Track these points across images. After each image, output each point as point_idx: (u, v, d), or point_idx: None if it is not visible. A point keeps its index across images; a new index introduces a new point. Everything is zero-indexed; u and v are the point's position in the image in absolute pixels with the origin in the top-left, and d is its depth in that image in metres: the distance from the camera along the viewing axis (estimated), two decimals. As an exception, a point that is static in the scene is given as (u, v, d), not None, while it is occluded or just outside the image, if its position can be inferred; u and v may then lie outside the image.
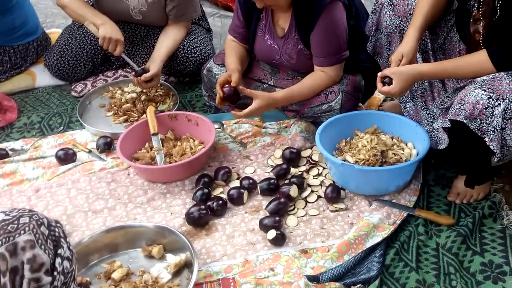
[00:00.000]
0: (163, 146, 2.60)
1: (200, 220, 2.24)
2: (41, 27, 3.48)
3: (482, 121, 1.97)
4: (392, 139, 2.44)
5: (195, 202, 2.34)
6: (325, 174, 2.47)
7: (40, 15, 3.73)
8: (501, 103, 1.93)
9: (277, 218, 2.20)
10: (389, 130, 2.50)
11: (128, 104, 2.96)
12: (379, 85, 2.23)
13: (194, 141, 2.64)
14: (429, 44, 2.41)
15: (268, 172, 2.50)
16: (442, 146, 2.24)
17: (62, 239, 1.40)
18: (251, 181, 2.41)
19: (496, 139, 1.97)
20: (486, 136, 1.98)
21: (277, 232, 2.14)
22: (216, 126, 2.71)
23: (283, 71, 2.72)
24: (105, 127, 2.88)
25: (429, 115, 2.44)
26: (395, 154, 2.33)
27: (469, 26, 2.15)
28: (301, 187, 2.39)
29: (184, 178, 2.49)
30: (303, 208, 2.33)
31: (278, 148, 2.61)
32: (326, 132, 2.42)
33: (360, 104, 2.79)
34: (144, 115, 2.79)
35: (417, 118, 2.46)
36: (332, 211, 2.31)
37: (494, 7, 2.03)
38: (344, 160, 2.33)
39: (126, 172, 2.57)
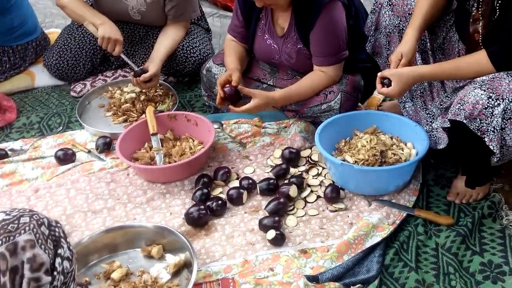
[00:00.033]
0: (162, 146, 2.60)
1: (200, 220, 2.24)
2: (40, 27, 3.48)
3: (482, 121, 1.97)
4: (392, 139, 2.44)
5: (194, 202, 2.34)
6: (325, 174, 2.47)
7: (39, 15, 3.73)
8: (500, 103, 1.93)
9: (276, 218, 2.20)
10: (388, 130, 2.50)
11: (128, 104, 2.96)
12: (378, 86, 2.24)
13: (193, 141, 2.64)
14: (428, 44, 2.41)
15: (268, 172, 2.50)
16: (441, 146, 2.24)
17: (62, 239, 1.40)
18: (250, 181, 2.41)
19: (495, 139, 1.97)
20: (485, 136, 1.98)
21: (277, 232, 2.14)
22: (216, 126, 2.71)
23: (283, 70, 2.72)
24: (105, 127, 2.88)
25: (428, 115, 2.44)
26: (394, 154, 2.33)
27: (468, 26, 2.15)
28: (301, 187, 2.39)
29: (183, 178, 2.49)
30: (302, 208, 2.33)
31: (277, 148, 2.61)
32: (325, 132, 2.42)
33: (360, 104, 2.79)
34: (144, 115, 2.79)
35: (416, 118, 2.46)
36: (331, 211, 2.31)
37: (494, 7, 2.03)
38: (344, 160, 2.33)
39: (126, 172, 2.57)
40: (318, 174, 2.48)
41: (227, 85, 2.50)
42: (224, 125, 2.80)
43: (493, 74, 2.01)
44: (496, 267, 2.06)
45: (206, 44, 3.20)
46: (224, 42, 2.81)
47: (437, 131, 2.28)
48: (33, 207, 2.37)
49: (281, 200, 2.28)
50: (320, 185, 2.42)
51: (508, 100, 1.93)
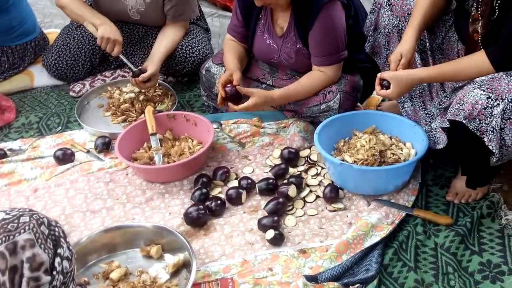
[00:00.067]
0: (161, 146, 2.60)
1: (199, 220, 2.24)
2: (39, 27, 3.48)
3: (481, 121, 1.97)
4: (391, 139, 2.45)
5: (193, 202, 2.34)
6: (324, 174, 2.47)
7: (38, 15, 3.73)
8: (500, 103, 1.93)
9: (275, 218, 2.20)
10: (387, 130, 2.50)
11: (127, 104, 2.96)
12: (377, 87, 2.25)
13: (192, 141, 2.64)
14: (427, 44, 2.42)
15: (267, 172, 2.50)
16: (440, 146, 2.24)
17: (62, 239, 1.40)
18: (249, 181, 2.41)
19: (495, 139, 1.97)
20: (485, 136, 1.98)
21: (276, 232, 2.14)
22: (215, 126, 2.71)
23: (282, 70, 2.72)
24: (104, 127, 2.88)
25: (428, 115, 2.44)
26: (393, 154, 2.33)
27: (467, 26, 2.15)
28: (300, 187, 2.39)
29: (182, 178, 2.49)
30: (301, 208, 2.33)
31: (276, 148, 2.61)
32: (324, 132, 2.43)
33: (359, 104, 2.79)
34: (143, 115, 2.79)
35: (415, 118, 2.46)
36: (330, 211, 2.31)
37: (493, 6, 2.03)
38: (343, 160, 2.33)
39: (125, 172, 2.56)
40: (317, 174, 2.48)
41: (228, 85, 2.50)
42: (223, 125, 2.80)
43: (493, 74, 2.01)
44: (495, 267, 2.06)
45: (205, 44, 3.20)
46: (224, 41, 2.81)
47: (436, 131, 2.28)
48: (32, 207, 2.36)
49: (280, 200, 2.28)
50: (319, 185, 2.42)
51: (507, 100, 1.93)
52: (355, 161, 2.31)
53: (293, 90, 2.55)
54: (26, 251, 1.31)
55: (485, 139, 1.98)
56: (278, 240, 2.14)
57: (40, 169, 2.62)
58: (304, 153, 2.57)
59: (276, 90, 2.59)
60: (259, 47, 2.68)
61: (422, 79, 2.20)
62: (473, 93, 1.98)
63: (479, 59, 2.05)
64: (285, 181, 2.41)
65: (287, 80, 2.70)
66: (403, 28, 2.34)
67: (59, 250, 1.38)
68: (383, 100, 2.92)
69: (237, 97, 2.51)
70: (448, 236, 2.16)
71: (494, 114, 1.94)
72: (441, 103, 2.40)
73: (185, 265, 2.06)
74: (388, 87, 2.20)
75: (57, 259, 1.36)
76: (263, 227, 2.19)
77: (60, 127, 2.95)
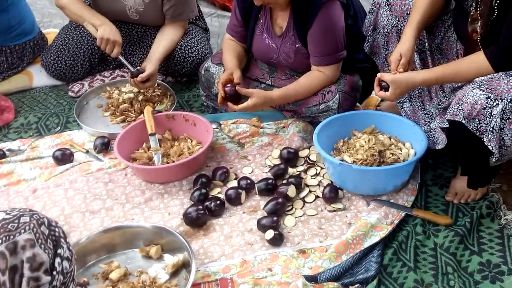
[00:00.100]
0: (160, 146, 2.60)
1: (198, 220, 2.24)
2: (38, 26, 3.48)
3: (481, 121, 1.97)
4: (390, 139, 2.45)
5: (192, 202, 2.34)
6: (323, 174, 2.47)
7: (37, 15, 3.73)
8: (499, 103, 1.93)
9: (275, 218, 2.20)
10: (386, 130, 2.50)
11: (126, 104, 2.96)
12: (376, 88, 2.25)
13: (191, 141, 2.64)
14: (426, 44, 2.42)
15: (266, 172, 2.50)
16: (440, 146, 2.24)
17: (62, 239, 1.40)
18: (249, 181, 2.41)
19: (494, 139, 1.97)
20: (484, 136, 1.98)
21: (275, 232, 2.14)
22: (214, 126, 2.71)
23: (281, 70, 2.72)
24: (103, 127, 2.87)
25: (427, 115, 2.44)
26: (392, 154, 2.34)
27: (466, 26, 2.15)
28: (299, 187, 2.39)
29: (181, 178, 2.49)
30: (301, 208, 2.33)
31: (276, 148, 2.61)
32: (323, 132, 2.42)
33: (358, 104, 2.79)
34: (142, 115, 2.78)
35: (414, 118, 2.46)
36: (330, 211, 2.31)
37: (492, 6, 2.03)
38: (342, 160, 2.33)
39: (124, 172, 2.56)
40: (317, 174, 2.48)
41: (228, 85, 2.50)
42: (222, 125, 2.80)
43: (492, 74, 2.01)
44: (494, 267, 2.06)
45: (204, 44, 3.20)
46: (223, 41, 2.81)
47: (435, 131, 2.28)
48: (31, 207, 2.36)
49: (280, 200, 2.28)
50: (318, 185, 2.42)
51: (507, 100, 1.93)
52: (354, 161, 2.31)
53: (292, 90, 2.55)
54: (26, 251, 1.31)
55: (485, 139, 1.98)
56: (277, 240, 2.13)
57: (39, 170, 2.62)
58: (303, 153, 2.57)
59: (275, 90, 2.59)
60: (258, 47, 2.68)
61: (422, 83, 2.20)
62: (473, 93, 1.98)
63: (478, 59, 2.05)
64: (285, 181, 2.41)
65: (286, 80, 2.70)
66: (402, 28, 2.34)
67: (59, 250, 1.38)
68: (382, 100, 2.91)
69: (236, 97, 2.51)
70: (448, 236, 2.16)
71: (494, 114, 1.94)
72: (440, 103, 2.40)
73: (184, 266, 2.06)
74: (387, 89, 2.20)
75: (57, 259, 1.36)
76: (262, 227, 2.19)
77: (59, 127, 2.94)
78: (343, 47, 2.53)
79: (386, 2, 2.38)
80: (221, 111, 2.88)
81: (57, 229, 1.41)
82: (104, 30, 2.86)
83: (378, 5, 2.42)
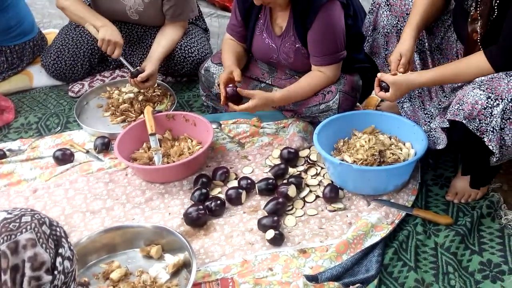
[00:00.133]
0: (160, 146, 2.60)
1: (198, 220, 2.24)
2: (37, 26, 3.48)
3: (481, 121, 1.97)
4: (390, 139, 2.45)
5: (193, 202, 2.34)
6: (323, 174, 2.47)
7: (37, 15, 3.73)
8: (500, 103, 1.93)
9: (275, 218, 2.20)
10: (387, 130, 2.50)
11: (126, 104, 2.96)
12: (376, 88, 2.25)
13: (192, 141, 2.64)
14: (426, 44, 2.42)
15: (266, 172, 2.50)
16: (440, 146, 2.24)
17: (63, 239, 1.40)
18: (249, 181, 2.41)
19: (495, 139, 1.97)
20: (485, 136, 1.98)
21: (276, 232, 2.14)
22: (214, 126, 2.71)
23: (281, 70, 2.72)
24: (103, 128, 2.87)
25: (427, 115, 2.44)
26: (393, 154, 2.34)
27: (466, 26, 2.15)
28: (299, 187, 2.39)
29: (182, 178, 2.49)
30: (301, 208, 2.33)
31: (276, 148, 2.61)
32: (324, 132, 2.43)
33: (358, 104, 2.79)
34: (142, 115, 2.78)
35: (414, 118, 2.46)
36: (330, 211, 2.31)
37: (492, 6, 2.03)
38: (342, 160, 2.33)
39: (124, 172, 2.56)
40: (317, 174, 2.48)
41: (230, 85, 2.50)
42: (222, 125, 2.80)
43: (492, 74, 2.01)
44: (495, 267, 2.06)
45: (204, 44, 3.20)
46: (223, 41, 2.81)
47: (435, 131, 2.28)
48: (32, 207, 2.35)
49: (280, 200, 2.28)
50: (319, 185, 2.42)
51: (507, 100, 1.93)
52: (354, 161, 2.31)
53: (293, 91, 2.55)
54: (28, 250, 1.32)
55: (485, 139, 1.98)
56: (278, 240, 2.13)
57: (39, 170, 2.62)
58: (303, 153, 2.57)
59: (276, 92, 2.59)
60: (258, 47, 2.68)
61: (422, 84, 2.20)
62: (473, 93, 1.98)
63: (478, 60, 2.05)
64: (285, 181, 2.41)
65: (286, 79, 2.70)
66: (402, 28, 2.34)
67: (60, 250, 1.38)
68: (382, 100, 2.91)
69: (237, 98, 2.50)
70: (448, 236, 2.16)
71: (494, 114, 1.94)
72: (440, 103, 2.40)
73: (185, 265, 2.06)
74: (387, 89, 2.21)
75: (59, 259, 1.36)
76: (263, 227, 2.19)
77: (59, 128, 2.94)
78: (343, 47, 2.53)
79: (386, 2, 2.38)
80: (221, 111, 2.88)
81: (58, 229, 1.41)
82: (105, 32, 2.86)
83: (378, 5, 2.42)
